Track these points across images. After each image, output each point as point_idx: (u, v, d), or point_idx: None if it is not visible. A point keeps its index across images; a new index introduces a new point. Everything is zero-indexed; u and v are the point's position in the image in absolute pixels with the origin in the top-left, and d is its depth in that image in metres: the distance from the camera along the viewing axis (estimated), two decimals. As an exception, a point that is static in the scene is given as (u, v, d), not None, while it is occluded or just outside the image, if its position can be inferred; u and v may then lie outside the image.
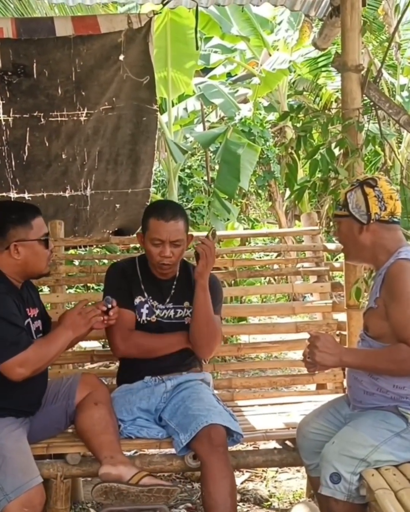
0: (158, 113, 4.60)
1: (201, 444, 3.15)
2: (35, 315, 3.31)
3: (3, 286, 3.13)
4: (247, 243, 10.01)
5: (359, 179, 3.13)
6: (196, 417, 3.19)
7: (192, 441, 3.17)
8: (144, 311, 3.53)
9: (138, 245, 6.36)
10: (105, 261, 6.27)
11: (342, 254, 4.15)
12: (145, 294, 3.55)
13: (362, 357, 2.96)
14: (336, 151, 4.07)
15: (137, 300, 3.54)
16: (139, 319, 3.52)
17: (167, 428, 3.35)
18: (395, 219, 3.05)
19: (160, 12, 4.67)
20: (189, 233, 3.54)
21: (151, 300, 3.55)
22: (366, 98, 4.10)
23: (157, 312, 3.55)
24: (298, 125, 4.19)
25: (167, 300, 3.57)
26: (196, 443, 3.16)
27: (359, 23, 4.00)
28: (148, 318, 3.53)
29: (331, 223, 13.72)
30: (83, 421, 3.28)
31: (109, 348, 3.66)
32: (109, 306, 3.30)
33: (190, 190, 10.58)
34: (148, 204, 4.75)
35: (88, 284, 7.98)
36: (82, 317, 3.21)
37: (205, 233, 3.59)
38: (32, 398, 3.28)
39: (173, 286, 3.59)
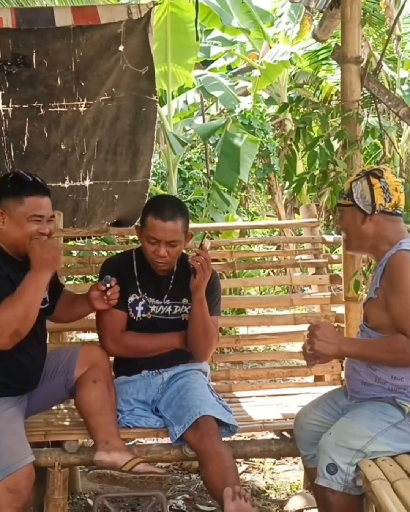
0: (157, 104, 4.59)
1: (193, 434, 3.16)
2: None
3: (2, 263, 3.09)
4: (246, 235, 10.02)
5: (365, 169, 3.13)
6: (190, 408, 3.20)
7: (186, 433, 3.18)
8: (139, 308, 3.48)
9: (136, 237, 6.38)
10: (104, 253, 6.29)
11: (340, 247, 4.17)
12: (140, 291, 3.49)
13: (361, 346, 2.96)
14: (335, 144, 4.07)
15: (131, 299, 3.48)
16: (134, 317, 3.47)
17: (163, 418, 3.36)
18: (398, 211, 3.06)
19: (160, 3, 4.66)
20: (188, 232, 3.47)
21: (146, 297, 3.50)
22: (365, 90, 4.10)
23: (153, 308, 3.50)
24: (298, 117, 4.20)
25: (165, 296, 3.52)
26: (189, 434, 3.17)
27: (359, 15, 3.99)
28: (143, 315, 3.49)
29: (330, 216, 13.75)
30: (81, 400, 3.26)
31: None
32: (108, 285, 3.30)
33: (190, 182, 10.58)
34: (147, 195, 4.75)
35: (87, 276, 8.01)
36: (46, 251, 3.05)
37: (200, 228, 3.57)
38: (31, 374, 3.23)
39: (171, 282, 3.54)
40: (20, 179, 3.17)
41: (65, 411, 3.52)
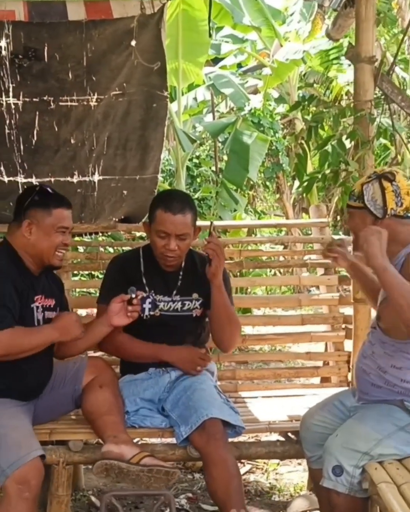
0: (168, 99, 4.55)
1: (199, 436, 3.14)
2: (50, 306, 3.31)
3: (11, 270, 3.15)
4: (253, 234, 9.99)
5: (376, 172, 3.10)
6: (197, 410, 3.18)
7: (192, 434, 3.17)
8: (146, 306, 3.45)
9: (143, 234, 6.36)
10: (111, 249, 6.27)
11: (349, 248, 4.10)
12: (147, 289, 3.47)
13: (399, 278, 2.75)
14: (347, 143, 4.04)
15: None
16: (142, 315, 3.43)
17: (169, 418, 3.34)
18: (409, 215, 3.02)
19: (173, -1, 4.64)
20: (197, 225, 3.47)
21: (154, 294, 3.48)
22: (377, 90, 4.07)
23: (161, 305, 3.48)
24: (308, 116, 4.18)
25: (174, 292, 3.50)
26: (195, 435, 3.16)
27: (374, 14, 3.98)
28: (151, 313, 3.46)
29: (338, 217, 13.72)
30: (89, 403, 3.30)
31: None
32: (133, 295, 3.31)
33: (198, 180, 10.56)
34: (156, 191, 4.72)
35: (93, 272, 7.99)
36: (74, 326, 3.23)
37: (207, 226, 3.55)
38: (34, 383, 3.28)
39: (180, 277, 3.52)
40: (46, 192, 3.29)
41: (72, 416, 3.52)
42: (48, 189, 3.32)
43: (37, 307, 3.25)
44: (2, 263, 3.17)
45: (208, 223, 3.49)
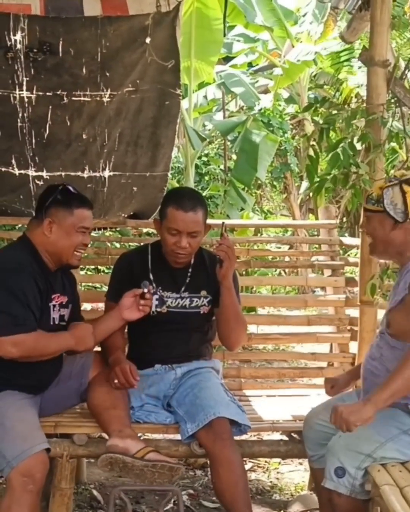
0: (181, 97, 4.57)
1: (206, 434, 3.15)
2: (63, 303, 3.33)
3: (34, 269, 3.17)
4: (259, 234, 10.00)
5: (397, 176, 3.11)
6: (204, 408, 3.19)
7: (198, 431, 3.18)
8: (154, 302, 3.45)
9: (151, 230, 6.36)
10: (118, 244, 6.28)
11: (354, 250, 4.13)
12: (154, 285, 3.47)
13: (387, 385, 2.82)
14: (357, 146, 4.04)
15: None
16: (149, 311, 3.44)
17: (175, 414, 3.35)
18: None
19: (188, -3, 4.64)
20: (207, 223, 3.48)
21: (161, 290, 3.49)
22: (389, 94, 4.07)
23: (169, 301, 3.49)
24: (317, 118, 4.17)
25: (183, 289, 3.51)
26: (201, 433, 3.17)
27: (389, 18, 3.97)
28: (158, 309, 3.47)
29: (344, 218, 13.70)
30: (94, 397, 3.31)
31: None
32: (146, 290, 3.34)
33: (206, 178, 10.56)
34: (165, 188, 4.73)
35: (99, 267, 8.01)
36: (89, 337, 3.29)
37: (216, 224, 3.55)
38: (44, 377, 3.29)
39: (189, 274, 3.53)
40: (68, 191, 3.30)
41: (77, 408, 3.53)
42: (71, 188, 3.32)
43: (54, 305, 3.27)
44: (25, 261, 3.18)
45: (217, 221, 3.50)
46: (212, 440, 3.13)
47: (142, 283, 3.36)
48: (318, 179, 3.95)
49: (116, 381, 3.27)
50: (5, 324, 3.03)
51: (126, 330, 3.61)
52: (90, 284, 6.81)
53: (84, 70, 4.26)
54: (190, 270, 3.53)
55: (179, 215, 3.34)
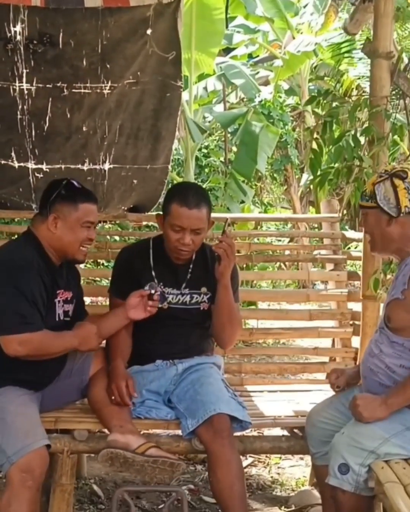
0: (182, 89, 4.53)
1: (206, 431, 3.14)
2: (68, 299, 3.32)
3: (40, 265, 3.15)
4: (259, 227, 9.97)
5: (387, 170, 3.07)
6: (205, 404, 3.17)
7: (198, 428, 3.16)
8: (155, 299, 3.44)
9: (151, 223, 6.33)
10: (117, 238, 6.25)
11: (354, 243, 4.11)
12: (156, 281, 3.46)
13: (405, 390, 2.87)
14: (361, 139, 4.01)
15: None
16: (155, 312, 3.42)
17: (176, 410, 3.34)
18: None
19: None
20: (210, 219, 3.45)
21: (162, 286, 3.47)
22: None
23: (170, 298, 3.47)
24: (318, 110, 4.13)
25: (183, 285, 3.49)
26: (201, 429, 3.15)
27: (393, 10, 3.93)
28: (159, 305, 3.44)
29: (344, 211, 13.66)
30: (95, 393, 3.32)
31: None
32: (153, 291, 3.32)
33: (206, 170, 10.52)
34: (166, 181, 4.71)
35: (98, 260, 7.98)
36: (94, 338, 3.27)
37: (220, 218, 3.51)
38: (46, 374, 3.28)
39: (190, 271, 3.50)
40: (72, 185, 3.27)
41: (77, 403, 3.52)
42: (75, 182, 3.30)
43: (59, 301, 3.26)
44: (30, 257, 3.16)
45: (221, 215, 3.48)
46: (211, 437, 3.11)
47: (149, 284, 3.36)
48: (320, 173, 3.92)
49: (113, 397, 3.26)
50: (13, 323, 3.03)
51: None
52: (90, 278, 6.79)
53: (84, 62, 4.22)
54: (191, 266, 3.51)
55: (184, 212, 3.31)
